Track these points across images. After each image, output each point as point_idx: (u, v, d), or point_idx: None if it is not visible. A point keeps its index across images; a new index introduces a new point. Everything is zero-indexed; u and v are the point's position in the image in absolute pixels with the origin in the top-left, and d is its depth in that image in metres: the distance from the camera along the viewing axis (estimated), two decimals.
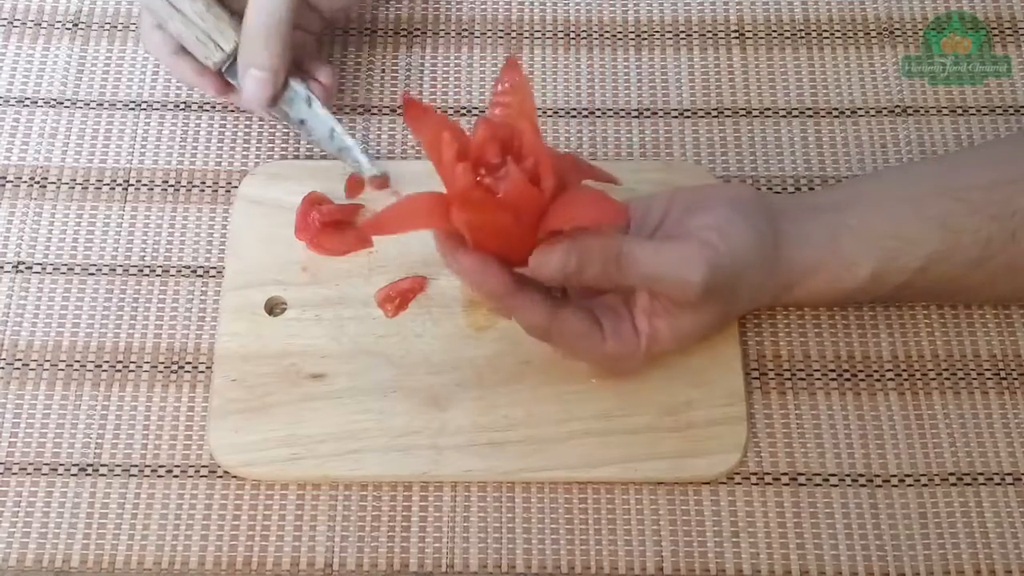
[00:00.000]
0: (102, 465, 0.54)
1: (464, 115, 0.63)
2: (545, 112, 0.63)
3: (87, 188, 0.61)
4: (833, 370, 0.57)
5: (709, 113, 0.63)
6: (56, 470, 0.54)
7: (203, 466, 0.54)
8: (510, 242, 0.46)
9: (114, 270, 0.59)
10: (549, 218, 0.45)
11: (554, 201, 0.44)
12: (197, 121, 0.63)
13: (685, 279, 0.48)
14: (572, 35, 0.65)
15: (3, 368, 0.56)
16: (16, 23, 0.65)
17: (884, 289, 0.53)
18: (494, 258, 0.46)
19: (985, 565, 0.52)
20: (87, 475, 0.54)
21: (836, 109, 0.63)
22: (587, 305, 0.51)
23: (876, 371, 0.57)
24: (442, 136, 0.44)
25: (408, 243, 0.58)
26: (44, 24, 0.65)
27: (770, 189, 0.61)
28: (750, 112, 0.63)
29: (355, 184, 0.59)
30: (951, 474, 0.54)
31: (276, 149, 0.62)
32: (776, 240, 0.51)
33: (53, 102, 0.63)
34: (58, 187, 0.61)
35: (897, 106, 0.63)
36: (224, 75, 0.58)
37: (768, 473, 0.54)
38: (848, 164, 0.62)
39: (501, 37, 0.65)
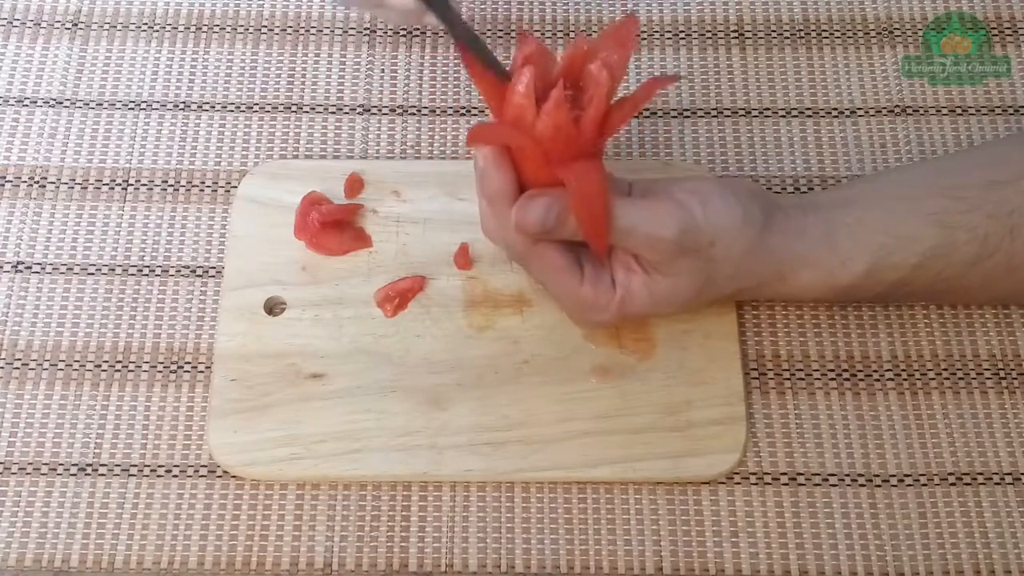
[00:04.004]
0: (101, 465, 0.54)
1: (463, 115, 0.63)
2: None
3: (87, 188, 0.61)
4: (833, 370, 0.57)
5: (709, 113, 0.63)
6: (56, 470, 0.54)
7: (202, 466, 0.54)
8: (539, 169, 0.49)
9: (114, 270, 0.59)
10: (613, 119, 0.48)
11: (612, 107, 0.48)
12: (196, 121, 0.63)
13: (656, 234, 0.49)
14: (572, 35, 0.65)
15: (3, 368, 0.56)
16: (16, 23, 0.65)
17: (880, 286, 0.53)
18: (511, 165, 0.49)
19: (985, 565, 0.52)
20: (87, 475, 0.54)
21: (836, 109, 0.63)
22: (575, 247, 0.51)
23: (876, 371, 0.57)
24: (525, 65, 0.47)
25: (407, 243, 0.58)
26: (44, 24, 0.65)
27: (770, 189, 0.61)
28: (750, 112, 0.63)
29: (354, 184, 0.59)
30: (951, 474, 0.54)
31: (275, 149, 0.62)
32: (767, 226, 0.51)
33: (53, 102, 0.63)
34: (58, 187, 0.61)
35: (897, 106, 0.63)
36: None
37: (768, 473, 0.54)
38: (848, 164, 0.62)
39: (501, 37, 0.65)
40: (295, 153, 0.62)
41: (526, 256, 0.51)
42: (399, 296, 0.57)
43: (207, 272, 0.59)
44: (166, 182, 0.61)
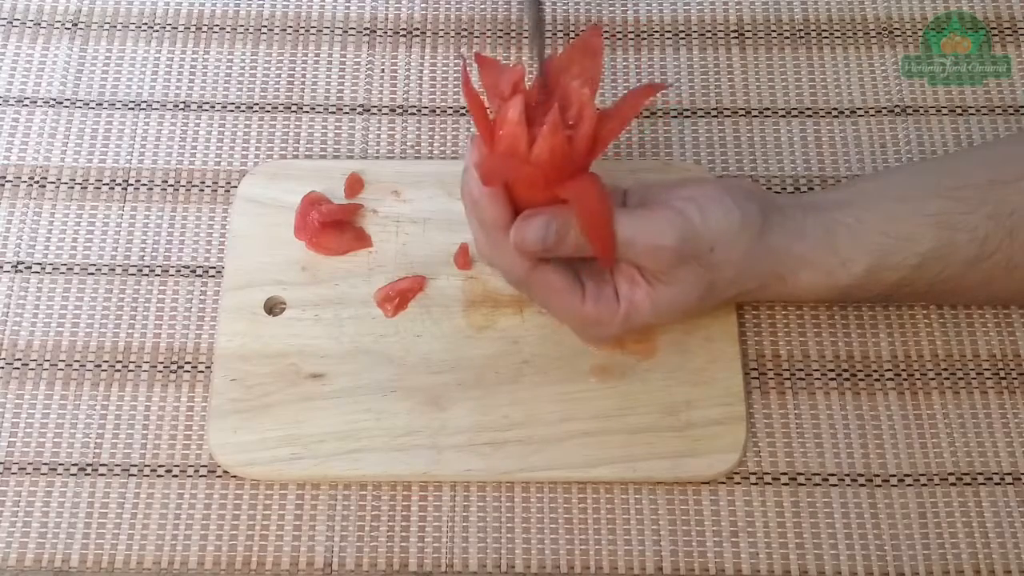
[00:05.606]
0: (102, 465, 0.54)
1: (463, 115, 0.63)
2: None
3: (87, 188, 0.61)
4: (833, 370, 0.57)
5: (709, 113, 0.63)
6: (56, 470, 0.54)
7: (203, 466, 0.54)
8: (535, 192, 0.49)
9: (114, 270, 0.59)
10: (602, 133, 0.48)
11: (601, 120, 0.48)
12: (196, 121, 0.63)
13: (656, 244, 0.49)
14: (572, 35, 0.65)
15: (3, 368, 0.56)
16: (16, 23, 0.65)
17: (880, 286, 0.53)
18: (505, 192, 0.49)
19: (985, 565, 0.52)
20: (87, 475, 0.54)
21: (836, 109, 0.63)
22: (574, 265, 0.51)
23: (876, 371, 0.57)
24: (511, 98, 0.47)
25: (407, 243, 0.58)
26: (44, 24, 0.65)
27: (770, 189, 0.61)
28: (749, 112, 0.63)
29: (354, 184, 0.59)
30: (951, 474, 0.54)
31: (276, 149, 0.62)
32: (765, 227, 0.51)
33: (53, 102, 0.63)
34: (58, 187, 0.61)
35: (897, 106, 0.63)
36: None
37: (768, 473, 0.54)
38: (848, 164, 0.62)
39: (501, 37, 0.65)
40: (295, 153, 0.62)
41: (525, 280, 0.51)
42: (399, 296, 0.57)
43: (207, 272, 0.59)
44: (166, 182, 0.61)
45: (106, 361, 0.56)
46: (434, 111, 0.63)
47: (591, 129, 0.48)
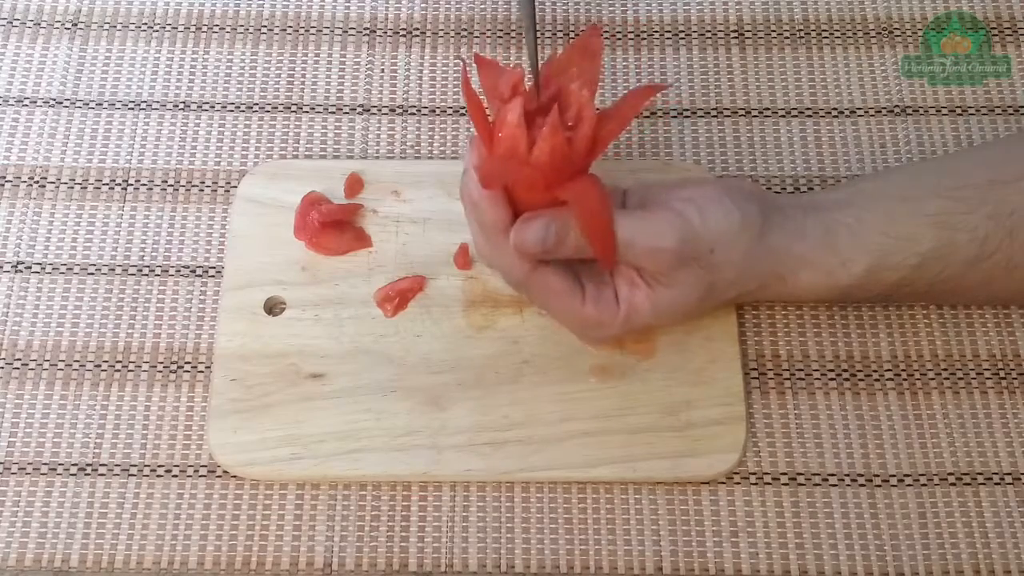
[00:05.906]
0: (101, 465, 0.54)
1: (463, 115, 0.63)
2: None
3: (86, 188, 0.61)
4: (832, 370, 0.57)
5: (708, 113, 0.63)
6: (56, 470, 0.54)
7: (202, 466, 0.54)
8: (535, 194, 0.49)
9: (113, 270, 0.59)
10: (602, 134, 0.48)
11: (600, 121, 0.48)
12: (196, 121, 0.63)
13: (656, 246, 0.49)
14: (572, 35, 0.65)
15: (3, 368, 0.56)
16: (16, 23, 0.65)
17: (880, 286, 0.53)
18: (505, 194, 0.49)
19: (984, 565, 0.52)
20: (86, 475, 0.54)
21: (836, 109, 0.63)
22: (574, 267, 0.52)
23: (876, 371, 0.57)
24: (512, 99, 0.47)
25: (407, 243, 0.58)
26: (43, 24, 0.65)
27: (769, 189, 0.61)
28: (749, 112, 0.63)
29: (354, 184, 0.59)
30: (950, 474, 0.54)
31: (275, 148, 0.62)
32: (765, 228, 0.51)
33: (52, 102, 0.63)
34: (57, 187, 0.61)
35: (897, 106, 0.63)
36: None
37: (767, 473, 0.54)
38: (848, 164, 0.62)
39: (501, 37, 0.65)
40: (295, 153, 0.62)
41: (525, 282, 0.51)
42: (399, 296, 0.57)
43: (207, 272, 0.59)
44: (166, 182, 0.61)
45: (106, 361, 0.56)
46: (434, 111, 0.63)
47: (590, 130, 0.48)
